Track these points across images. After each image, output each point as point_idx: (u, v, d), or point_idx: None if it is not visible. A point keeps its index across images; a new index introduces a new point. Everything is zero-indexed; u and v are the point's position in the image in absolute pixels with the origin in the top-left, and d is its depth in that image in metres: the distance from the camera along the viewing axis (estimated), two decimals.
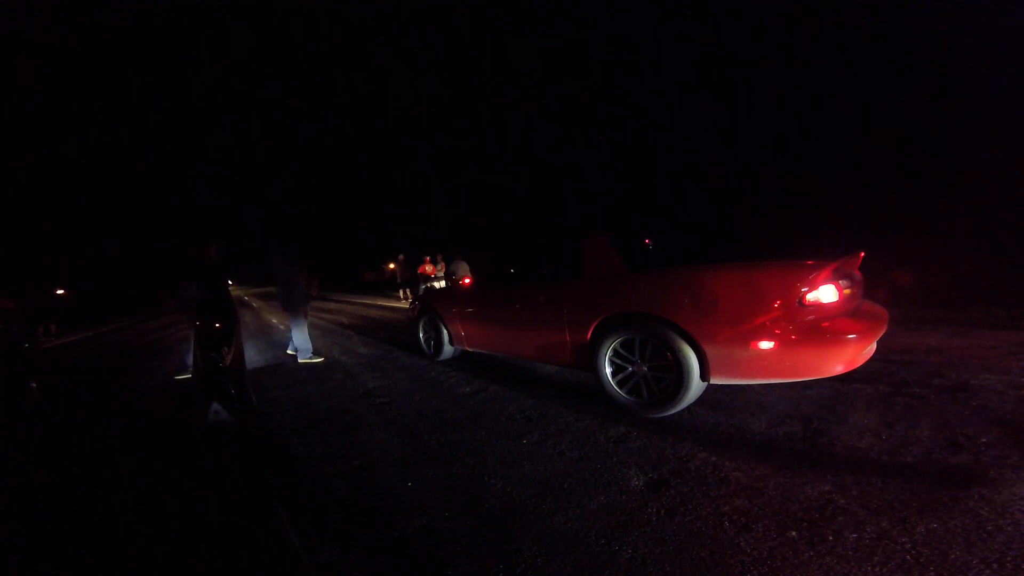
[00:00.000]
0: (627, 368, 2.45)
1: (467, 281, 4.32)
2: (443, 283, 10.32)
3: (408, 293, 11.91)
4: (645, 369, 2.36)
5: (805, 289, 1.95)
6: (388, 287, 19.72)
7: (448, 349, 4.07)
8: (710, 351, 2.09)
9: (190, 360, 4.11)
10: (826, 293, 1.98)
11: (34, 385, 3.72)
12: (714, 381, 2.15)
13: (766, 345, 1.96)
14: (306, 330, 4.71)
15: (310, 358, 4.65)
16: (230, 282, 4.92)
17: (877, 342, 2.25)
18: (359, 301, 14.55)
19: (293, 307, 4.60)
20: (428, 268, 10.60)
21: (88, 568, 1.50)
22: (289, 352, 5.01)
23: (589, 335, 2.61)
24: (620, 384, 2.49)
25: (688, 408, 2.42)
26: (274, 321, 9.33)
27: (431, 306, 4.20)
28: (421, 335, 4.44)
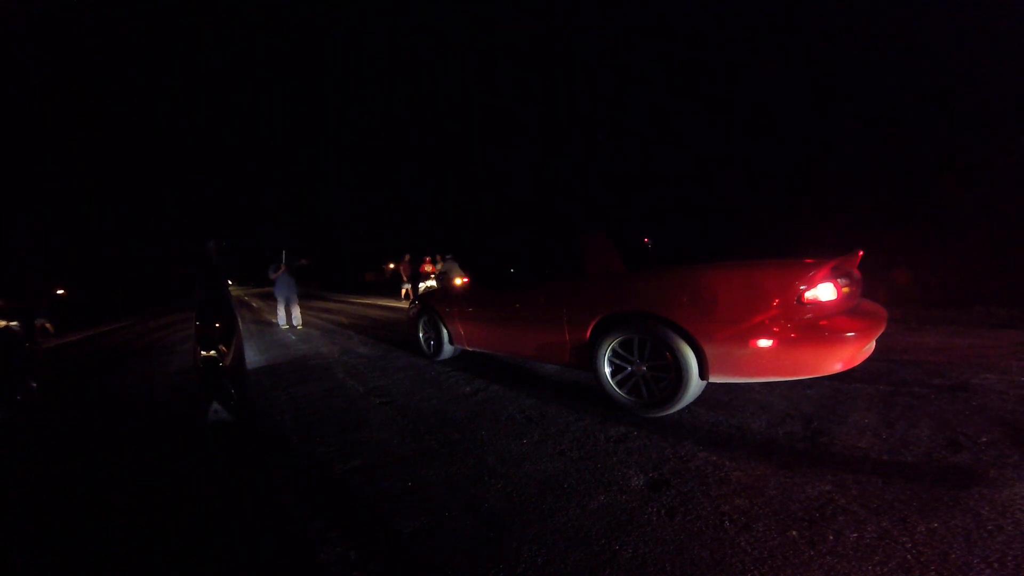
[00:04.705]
0: (626, 368, 2.45)
1: (457, 282, 4.32)
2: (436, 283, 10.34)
3: (409, 292, 11.92)
4: (644, 369, 2.36)
5: (804, 287, 1.95)
6: (389, 287, 19.71)
7: (448, 349, 4.07)
8: (709, 350, 2.09)
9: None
10: (825, 291, 1.98)
11: (34, 385, 3.72)
12: (713, 380, 2.15)
13: (765, 343, 1.96)
14: (280, 308, 7.65)
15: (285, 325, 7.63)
16: (230, 282, 4.94)
17: (877, 341, 2.25)
18: (359, 301, 14.54)
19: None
20: (428, 267, 10.67)
21: (88, 568, 1.50)
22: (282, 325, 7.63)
23: (588, 334, 2.61)
24: (619, 384, 2.48)
25: (688, 407, 2.42)
26: (274, 321, 9.32)
27: (431, 306, 4.20)
28: (421, 335, 4.44)
